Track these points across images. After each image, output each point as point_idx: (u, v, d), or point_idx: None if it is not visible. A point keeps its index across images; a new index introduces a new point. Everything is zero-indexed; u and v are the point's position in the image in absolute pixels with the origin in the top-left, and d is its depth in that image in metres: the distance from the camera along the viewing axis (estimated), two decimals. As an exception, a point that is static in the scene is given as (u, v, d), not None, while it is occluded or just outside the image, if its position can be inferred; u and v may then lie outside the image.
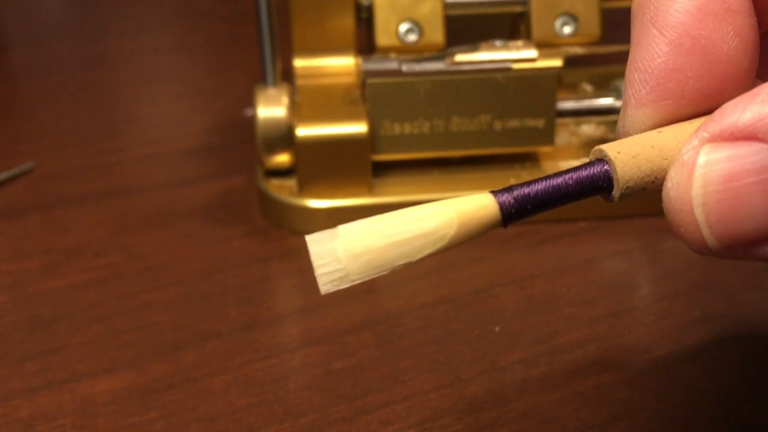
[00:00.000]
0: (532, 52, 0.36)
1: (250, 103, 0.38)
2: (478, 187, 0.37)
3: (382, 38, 0.39)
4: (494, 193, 0.18)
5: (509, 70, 0.36)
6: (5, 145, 0.45)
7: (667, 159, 0.18)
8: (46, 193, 0.41)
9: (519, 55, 0.36)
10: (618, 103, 0.38)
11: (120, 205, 0.39)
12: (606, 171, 0.19)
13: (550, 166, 0.39)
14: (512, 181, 0.37)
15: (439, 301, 0.32)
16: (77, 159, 0.44)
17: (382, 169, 0.38)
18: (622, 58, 0.52)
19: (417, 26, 0.39)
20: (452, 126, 0.37)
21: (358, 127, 0.36)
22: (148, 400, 0.28)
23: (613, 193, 0.19)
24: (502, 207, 0.18)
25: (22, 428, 0.27)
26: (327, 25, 0.39)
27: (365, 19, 0.40)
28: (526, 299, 0.32)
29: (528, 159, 0.39)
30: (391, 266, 0.17)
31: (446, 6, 0.39)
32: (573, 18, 0.40)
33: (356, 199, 0.37)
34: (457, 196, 0.39)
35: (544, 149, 0.39)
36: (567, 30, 0.40)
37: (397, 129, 0.37)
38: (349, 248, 0.17)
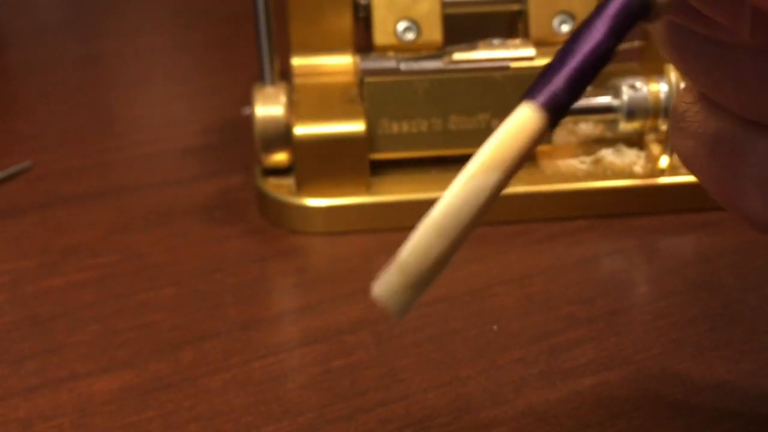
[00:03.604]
0: (530, 51, 0.36)
1: (248, 102, 0.37)
2: (476, 186, 0.37)
3: (380, 37, 0.39)
4: (530, 102, 0.15)
5: (507, 68, 0.36)
6: (2, 144, 0.45)
7: None
8: (43, 192, 0.41)
9: (517, 53, 0.36)
10: (616, 102, 0.38)
11: (118, 204, 0.39)
12: None
13: (548, 166, 0.39)
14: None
15: (437, 300, 0.32)
16: (75, 158, 0.44)
17: (381, 168, 0.38)
18: (621, 56, 0.52)
19: (415, 25, 0.39)
20: (450, 125, 0.37)
21: (356, 126, 0.36)
22: (146, 399, 0.28)
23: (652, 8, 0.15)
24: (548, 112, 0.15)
25: (19, 428, 0.27)
26: (325, 23, 0.39)
27: (363, 18, 0.40)
28: (524, 298, 0.32)
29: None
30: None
31: (444, 5, 0.39)
32: (571, 16, 0.40)
33: (354, 198, 0.37)
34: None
35: (542, 148, 0.39)
36: (565, 28, 0.40)
37: (395, 128, 0.37)
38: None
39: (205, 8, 0.66)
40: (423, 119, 0.37)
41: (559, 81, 0.15)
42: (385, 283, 0.15)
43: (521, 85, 0.36)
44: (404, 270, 0.15)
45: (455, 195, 0.15)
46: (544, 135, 0.15)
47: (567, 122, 0.40)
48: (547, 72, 0.15)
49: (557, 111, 0.15)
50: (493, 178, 0.15)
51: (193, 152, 0.44)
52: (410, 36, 0.39)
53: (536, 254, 0.35)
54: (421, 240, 0.15)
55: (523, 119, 0.15)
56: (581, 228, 0.37)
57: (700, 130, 0.19)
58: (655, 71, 0.39)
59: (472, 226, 0.15)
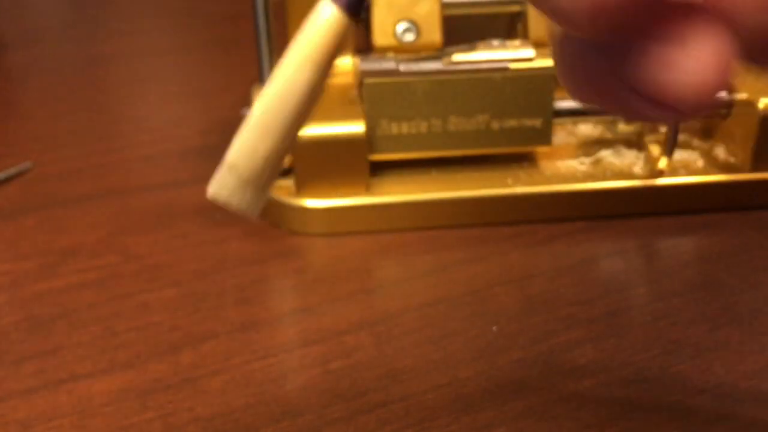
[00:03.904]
0: (529, 52, 0.36)
1: (248, 103, 0.38)
2: (475, 187, 0.37)
3: (380, 38, 0.39)
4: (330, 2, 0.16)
5: (506, 69, 0.36)
6: (2, 146, 0.45)
7: None
8: (43, 193, 0.41)
9: (516, 54, 0.36)
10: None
11: (117, 205, 0.39)
12: None
13: (548, 166, 0.39)
14: (509, 182, 0.38)
15: (437, 301, 0.32)
16: (74, 159, 0.44)
17: (380, 169, 0.38)
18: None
19: (414, 26, 0.39)
20: (450, 126, 0.37)
21: (356, 127, 0.36)
22: (145, 400, 0.28)
23: None
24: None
25: (19, 429, 0.27)
26: (324, 25, 0.39)
27: (362, 19, 0.40)
28: (523, 299, 0.32)
29: (525, 159, 0.39)
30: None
31: (443, 6, 0.39)
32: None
33: (354, 199, 0.37)
34: (454, 197, 0.39)
35: (542, 149, 0.39)
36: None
37: (394, 129, 0.37)
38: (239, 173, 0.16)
39: (205, 9, 0.66)
40: (422, 120, 0.37)
41: None
42: (218, 184, 0.17)
43: (521, 85, 0.36)
44: (235, 169, 0.16)
45: (272, 93, 0.16)
46: (347, 30, 0.16)
47: (566, 123, 0.40)
48: None
49: (355, 9, 0.16)
50: (305, 73, 0.16)
51: (193, 153, 0.44)
52: (410, 37, 0.39)
53: (536, 255, 0.35)
54: (245, 139, 0.16)
55: (329, 20, 0.16)
56: (581, 229, 0.37)
57: None
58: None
59: (294, 124, 0.16)
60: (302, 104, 0.16)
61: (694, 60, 0.13)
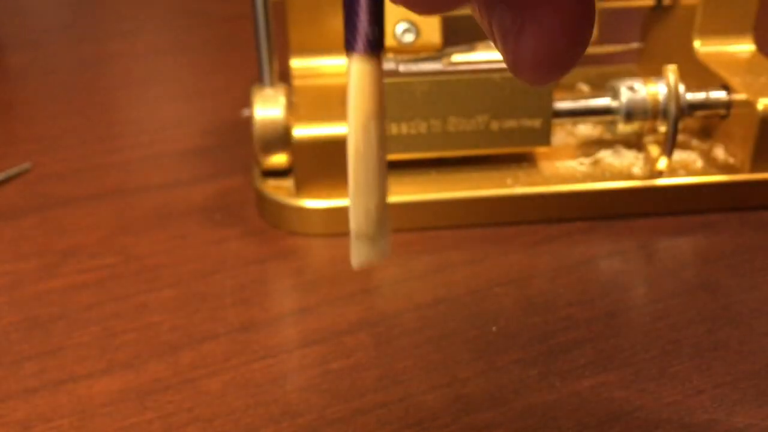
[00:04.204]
0: (528, 53, 0.36)
1: (247, 103, 0.38)
2: (475, 187, 0.37)
3: (379, 39, 0.39)
4: (354, 54, 0.17)
5: (506, 70, 0.36)
6: (2, 146, 0.45)
7: None
8: (42, 194, 0.41)
9: (515, 55, 0.36)
10: (614, 104, 0.38)
11: (117, 206, 0.39)
12: None
13: (547, 167, 0.39)
14: (509, 182, 0.38)
15: (436, 302, 0.32)
16: (74, 160, 0.44)
17: (379, 170, 0.38)
18: (619, 58, 0.52)
19: (414, 27, 0.39)
20: (449, 126, 0.37)
21: (355, 128, 0.36)
22: (145, 400, 0.28)
23: None
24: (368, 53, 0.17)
25: (19, 429, 0.27)
26: (324, 25, 0.39)
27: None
28: (523, 299, 0.32)
29: (525, 159, 0.39)
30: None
31: (443, 6, 0.39)
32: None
33: (353, 200, 0.37)
34: (453, 198, 0.39)
35: (541, 149, 0.39)
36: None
37: (394, 129, 0.37)
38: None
39: (205, 10, 0.66)
40: (422, 121, 0.37)
41: (363, 22, 0.16)
42: (358, 254, 0.17)
43: (520, 86, 0.36)
44: (364, 236, 0.17)
45: (356, 160, 0.17)
46: (382, 69, 0.17)
47: (565, 123, 0.40)
48: (349, 19, 0.16)
49: (377, 46, 0.16)
50: (372, 127, 0.17)
51: (193, 154, 0.44)
52: (409, 38, 0.39)
53: (535, 256, 0.35)
54: (356, 206, 0.17)
55: (361, 72, 0.16)
56: (580, 229, 0.37)
57: None
58: (653, 73, 0.39)
59: (383, 168, 0.17)
60: (382, 148, 0.17)
61: None
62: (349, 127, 0.17)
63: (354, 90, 0.17)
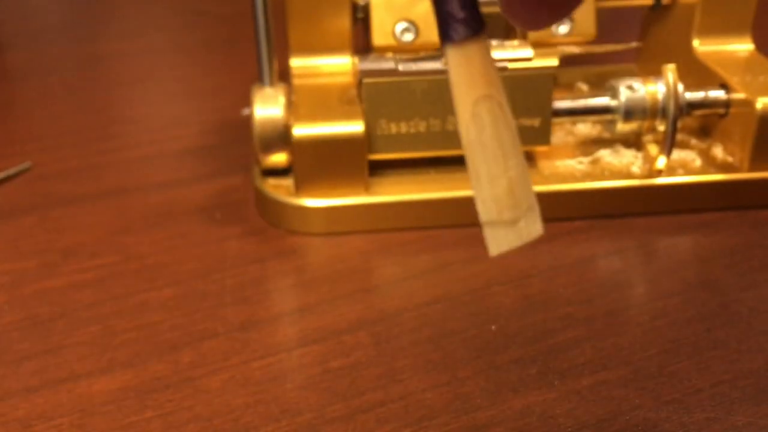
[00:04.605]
0: (527, 52, 0.36)
1: (247, 103, 0.38)
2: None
3: (379, 38, 0.39)
4: (451, 44, 0.16)
5: (505, 69, 0.36)
6: (2, 146, 0.45)
7: None
8: (42, 193, 0.41)
9: (515, 54, 0.36)
10: (613, 103, 0.38)
11: (117, 205, 0.39)
12: None
13: (547, 166, 0.39)
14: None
15: (436, 301, 0.32)
16: (74, 159, 0.44)
17: (379, 169, 0.38)
18: (618, 57, 0.52)
19: (413, 26, 0.39)
20: (449, 125, 0.37)
21: (355, 127, 0.36)
22: (145, 399, 0.28)
23: None
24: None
25: (19, 428, 0.27)
26: (324, 24, 0.39)
27: (361, 19, 0.40)
28: (522, 298, 0.33)
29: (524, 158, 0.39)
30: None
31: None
32: (569, 18, 0.40)
33: (353, 199, 0.37)
34: (452, 197, 0.39)
35: (540, 149, 0.39)
36: (563, 29, 0.40)
37: (393, 128, 0.37)
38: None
39: (205, 9, 0.66)
40: (421, 120, 0.37)
41: (455, 9, 0.16)
42: (492, 243, 0.17)
43: (520, 85, 0.36)
44: (493, 224, 0.17)
45: (471, 150, 0.16)
46: (487, 46, 0.16)
47: (565, 123, 0.40)
48: (440, 9, 0.16)
49: (475, 27, 0.16)
50: (483, 110, 0.17)
51: (193, 153, 0.44)
52: (409, 37, 0.39)
53: (534, 255, 0.35)
54: (481, 196, 0.17)
55: (458, 59, 0.16)
56: (579, 228, 0.37)
57: None
58: (652, 72, 0.39)
59: (508, 149, 0.17)
60: (502, 128, 0.17)
61: None
62: (457, 119, 0.16)
63: (454, 80, 0.16)
